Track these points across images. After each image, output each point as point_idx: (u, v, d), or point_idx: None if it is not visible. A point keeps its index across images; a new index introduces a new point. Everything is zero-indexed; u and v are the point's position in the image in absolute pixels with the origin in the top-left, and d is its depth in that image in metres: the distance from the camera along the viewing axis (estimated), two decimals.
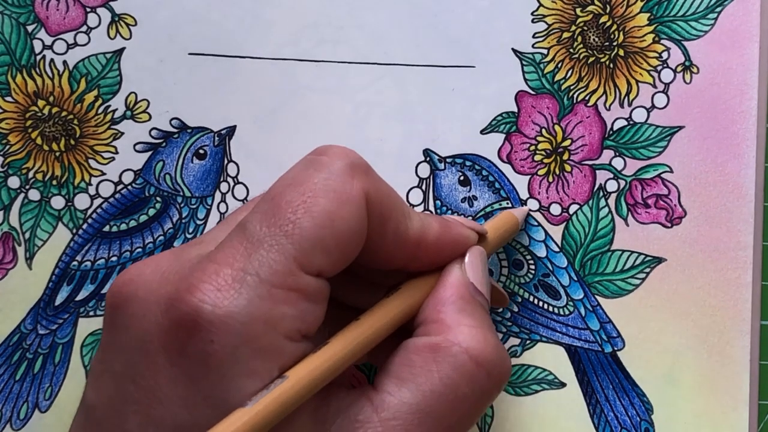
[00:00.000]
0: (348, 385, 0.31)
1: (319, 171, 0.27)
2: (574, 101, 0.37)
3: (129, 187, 0.37)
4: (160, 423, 0.25)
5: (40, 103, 0.37)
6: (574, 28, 0.37)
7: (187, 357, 0.25)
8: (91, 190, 0.37)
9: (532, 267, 0.37)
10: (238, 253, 0.26)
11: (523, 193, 0.37)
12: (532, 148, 0.37)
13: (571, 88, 0.37)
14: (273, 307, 0.25)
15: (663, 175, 0.37)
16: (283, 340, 0.25)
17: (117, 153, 0.38)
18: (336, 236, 0.26)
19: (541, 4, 0.37)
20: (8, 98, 0.37)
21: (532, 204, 0.37)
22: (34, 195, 0.37)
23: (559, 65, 0.37)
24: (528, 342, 0.37)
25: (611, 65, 0.37)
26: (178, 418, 0.25)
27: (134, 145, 0.38)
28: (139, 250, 0.37)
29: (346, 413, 0.27)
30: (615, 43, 0.37)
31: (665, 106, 0.37)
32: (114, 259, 0.37)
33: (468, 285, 0.30)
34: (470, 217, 0.37)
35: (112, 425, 0.26)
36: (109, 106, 0.37)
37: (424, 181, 0.37)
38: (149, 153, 0.38)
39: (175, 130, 0.38)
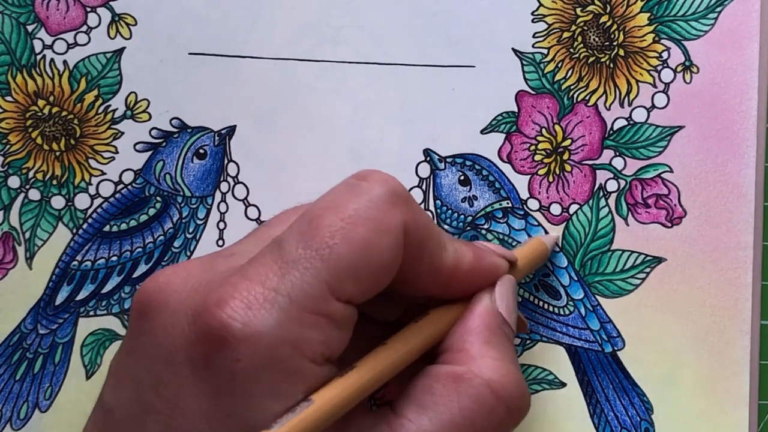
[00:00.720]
0: (367, 406, 0.31)
1: (360, 197, 0.27)
2: (575, 101, 0.37)
3: (129, 186, 0.37)
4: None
5: (41, 102, 0.37)
6: (574, 27, 0.37)
7: (213, 371, 0.25)
8: (92, 190, 0.37)
9: None
10: (271, 272, 0.26)
11: (524, 193, 0.37)
12: (533, 147, 0.37)
13: (572, 87, 0.37)
14: (301, 330, 0.25)
15: (663, 175, 0.37)
16: (308, 363, 0.25)
17: (117, 153, 0.38)
18: (371, 266, 0.26)
19: (541, 4, 0.37)
20: (8, 98, 0.37)
21: (533, 204, 0.37)
22: (35, 195, 0.37)
23: (560, 65, 0.37)
24: (528, 342, 0.37)
25: (611, 65, 0.37)
26: (198, 431, 0.25)
27: (134, 145, 0.38)
28: (140, 249, 0.37)
29: None
30: (615, 43, 0.37)
31: (665, 106, 0.37)
32: (114, 258, 0.37)
33: (496, 315, 0.30)
34: (470, 218, 0.37)
35: (130, 431, 0.26)
36: (109, 105, 0.37)
37: (424, 181, 0.37)
38: (149, 153, 0.38)
39: (175, 130, 0.38)
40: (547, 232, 0.37)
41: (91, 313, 0.37)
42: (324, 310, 0.26)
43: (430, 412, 0.27)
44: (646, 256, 0.37)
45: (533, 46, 0.37)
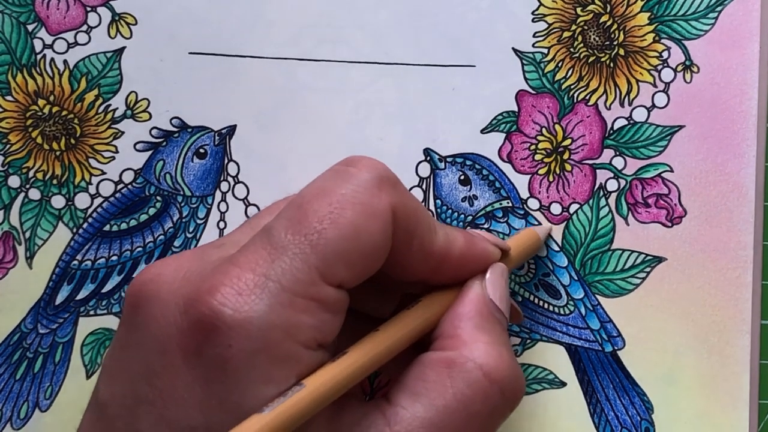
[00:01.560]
0: (361, 396, 0.30)
1: (348, 182, 0.27)
2: (575, 100, 0.37)
3: (129, 186, 0.37)
4: (174, 424, 0.25)
5: (41, 102, 0.37)
6: (574, 27, 0.37)
7: (204, 359, 0.25)
8: (92, 190, 0.37)
9: (533, 266, 0.37)
10: (261, 259, 0.26)
11: (524, 193, 0.37)
12: (533, 147, 0.37)
13: (572, 87, 0.37)
14: (293, 315, 0.25)
15: (663, 175, 0.37)
16: (300, 348, 0.25)
17: (117, 152, 0.38)
18: (360, 249, 0.26)
19: (541, 4, 0.37)
20: (9, 97, 0.37)
21: (533, 203, 0.37)
22: (35, 194, 0.37)
23: (560, 64, 0.37)
24: (528, 341, 0.37)
25: (612, 64, 0.37)
26: (192, 420, 0.25)
27: (134, 145, 0.38)
28: (140, 249, 0.37)
29: (359, 426, 0.26)
30: (615, 43, 0.37)
31: (665, 106, 0.37)
32: (114, 258, 0.37)
33: (487, 302, 0.30)
34: (470, 217, 0.37)
35: (124, 424, 0.26)
36: (109, 105, 0.37)
37: (425, 181, 0.37)
38: (149, 152, 0.38)
39: (176, 130, 0.38)
40: (548, 233, 0.37)
41: (92, 312, 0.37)
42: (315, 295, 0.26)
43: (424, 399, 0.27)
44: (647, 255, 0.37)
45: (533, 46, 0.37)
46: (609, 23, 0.37)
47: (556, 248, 0.37)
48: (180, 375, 0.25)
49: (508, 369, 0.28)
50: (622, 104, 0.37)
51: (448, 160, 0.37)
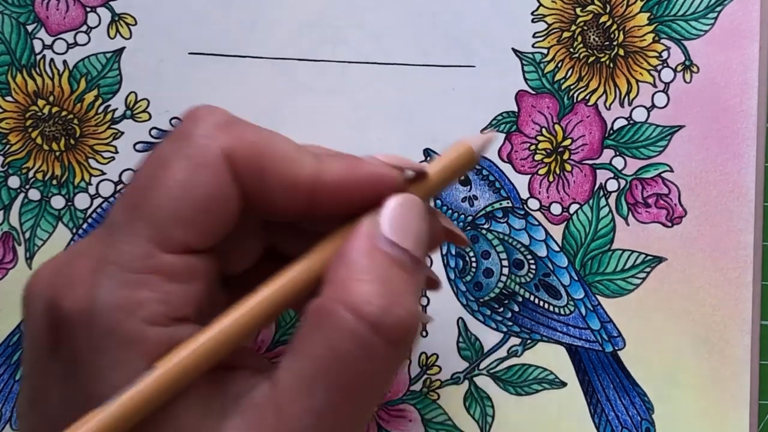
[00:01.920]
0: (261, 368, 0.28)
1: (174, 140, 0.25)
2: (575, 101, 0.37)
3: None
4: (51, 422, 0.24)
5: (40, 102, 0.37)
6: (574, 27, 0.37)
7: (60, 355, 0.24)
8: (91, 190, 0.37)
9: (533, 266, 0.37)
10: (98, 243, 0.25)
11: (524, 193, 0.37)
12: (533, 147, 0.37)
13: (572, 87, 0.37)
14: (132, 293, 0.24)
15: (663, 175, 0.37)
16: (145, 326, 0.24)
17: (117, 153, 0.38)
18: (195, 206, 0.24)
19: (541, 4, 0.37)
20: (8, 98, 0.37)
21: (533, 204, 0.37)
22: (34, 195, 0.37)
23: (560, 65, 0.37)
24: (529, 342, 0.37)
25: (611, 65, 0.37)
26: (62, 418, 0.24)
27: (134, 145, 0.38)
28: None
29: (245, 397, 0.25)
30: (615, 43, 0.37)
31: (665, 106, 0.37)
32: None
33: (375, 237, 0.26)
34: (470, 217, 0.37)
35: (23, 427, 0.26)
36: (109, 105, 0.37)
37: None
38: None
39: None
40: (548, 233, 0.37)
41: None
42: (153, 267, 0.24)
43: (300, 354, 0.24)
44: (647, 255, 0.37)
45: (533, 46, 0.37)
46: (609, 23, 0.37)
47: (557, 248, 0.37)
48: (49, 374, 0.25)
49: (382, 304, 0.24)
50: (621, 104, 0.37)
51: None
